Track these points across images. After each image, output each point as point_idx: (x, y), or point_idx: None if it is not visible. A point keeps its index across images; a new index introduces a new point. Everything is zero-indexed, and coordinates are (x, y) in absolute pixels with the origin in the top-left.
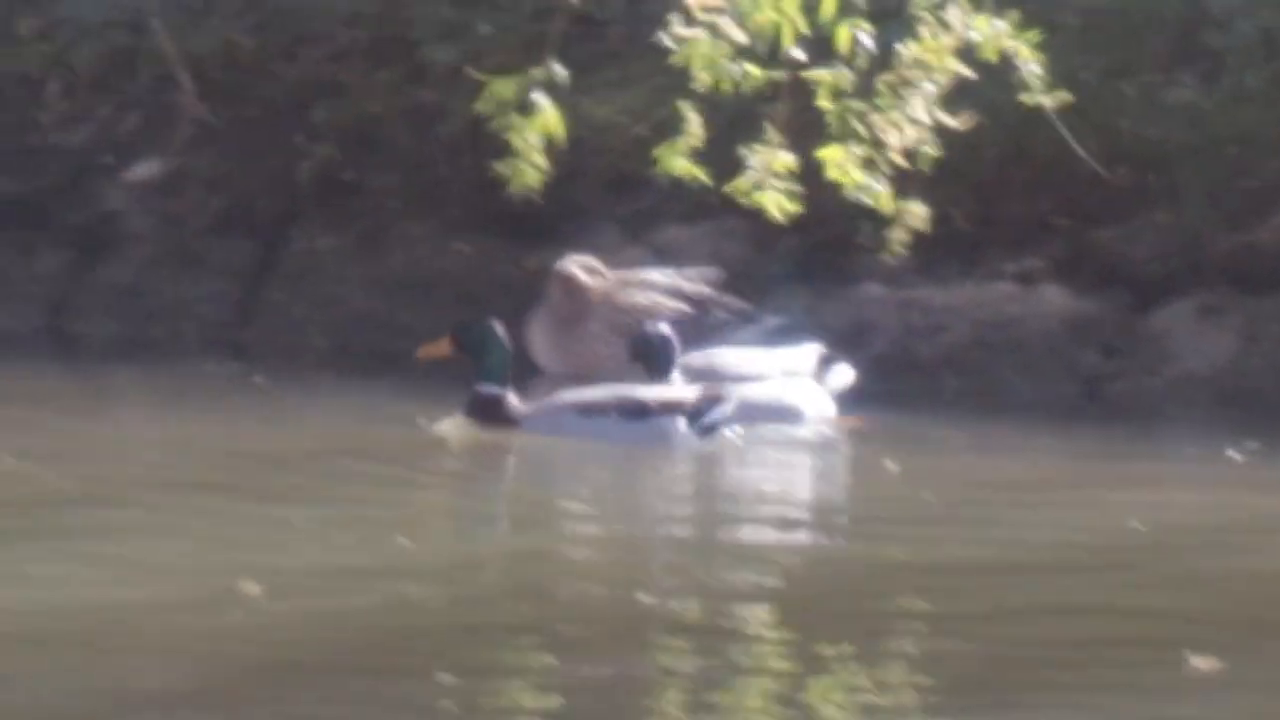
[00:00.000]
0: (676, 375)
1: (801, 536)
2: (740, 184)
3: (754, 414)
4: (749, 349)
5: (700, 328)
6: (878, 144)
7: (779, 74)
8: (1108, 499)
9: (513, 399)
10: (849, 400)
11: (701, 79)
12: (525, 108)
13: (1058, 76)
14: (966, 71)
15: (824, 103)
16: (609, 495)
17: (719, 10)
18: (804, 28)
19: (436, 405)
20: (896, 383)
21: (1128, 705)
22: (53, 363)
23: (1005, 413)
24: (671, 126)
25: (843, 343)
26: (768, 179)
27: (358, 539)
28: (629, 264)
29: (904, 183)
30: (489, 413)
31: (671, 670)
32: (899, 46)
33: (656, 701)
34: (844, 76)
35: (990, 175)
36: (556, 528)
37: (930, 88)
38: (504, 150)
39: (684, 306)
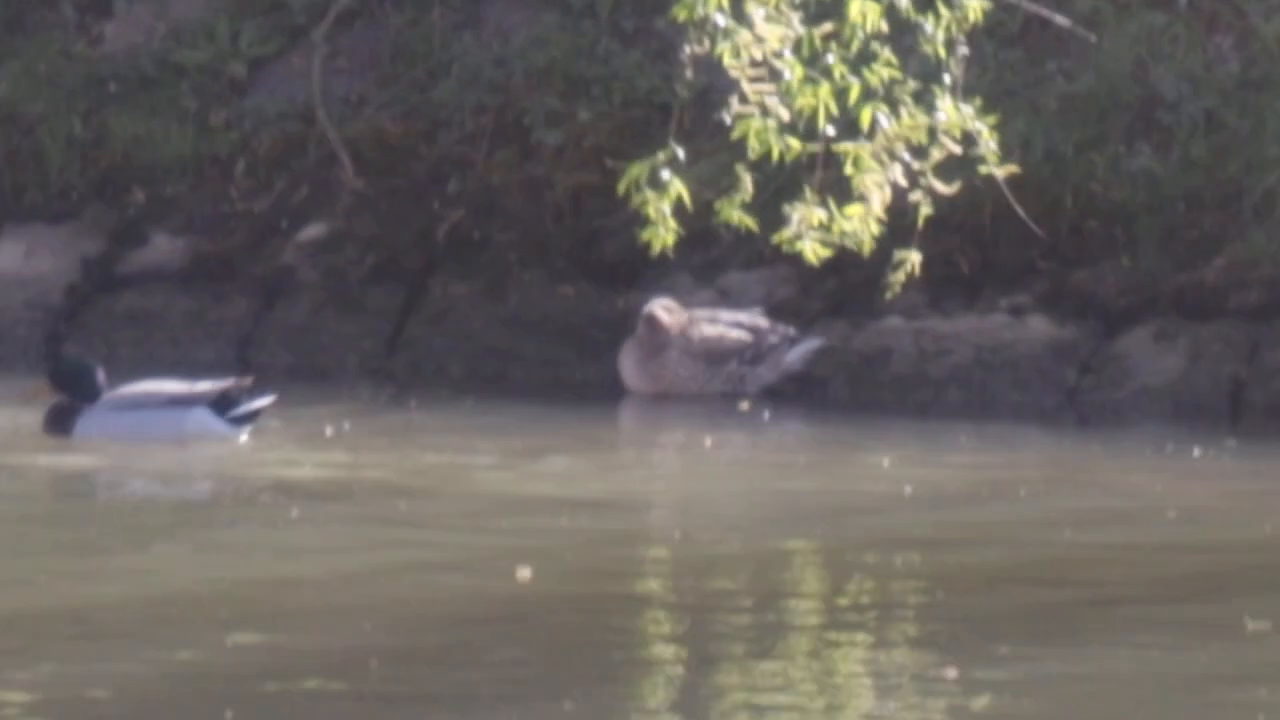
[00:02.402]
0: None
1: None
2: (784, 234)
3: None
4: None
5: (759, 351)
6: (863, 199)
7: (815, 146)
8: (1091, 481)
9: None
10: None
11: (753, 148)
12: (656, 183)
13: (1041, 148)
14: (954, 148)
15: (850, 169)
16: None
17: (769, 93)
18: (835, 110)
19: (541, 423)
20: (912, 395)
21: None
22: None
23: (1000, 419)
24: (730, 186)
25: (868, 363)
26: (805, 230)
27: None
28: (699, 304)
29: (911, 234)
30: (53, 423)
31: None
32: (882, 120)
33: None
34: (865, 149)
35: (988, 227)
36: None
37: (905, 156)
38: (604, 215)
39: (745, 336)
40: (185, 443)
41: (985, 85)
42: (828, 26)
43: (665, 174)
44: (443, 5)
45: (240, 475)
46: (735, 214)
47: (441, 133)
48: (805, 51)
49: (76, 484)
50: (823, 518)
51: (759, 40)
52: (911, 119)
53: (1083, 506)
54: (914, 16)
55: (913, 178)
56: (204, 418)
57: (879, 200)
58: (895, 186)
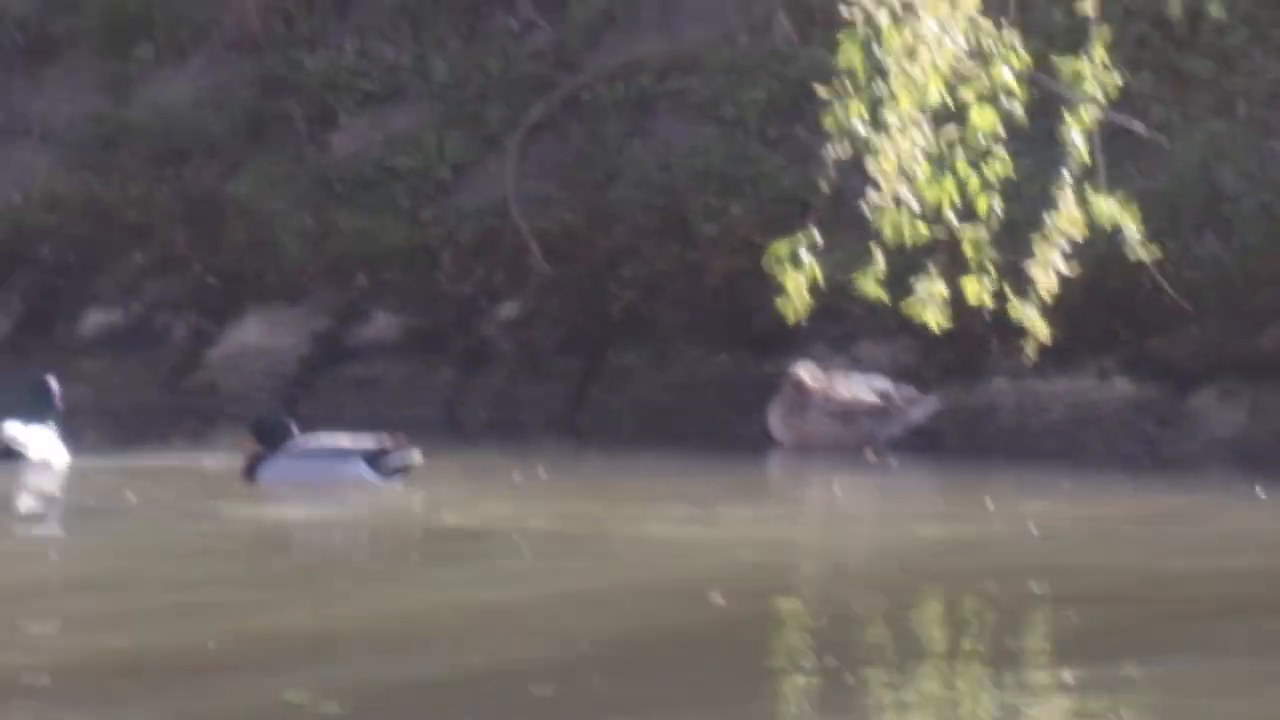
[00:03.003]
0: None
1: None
2: (912, 304)
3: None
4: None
5: (886, 410)
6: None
7: (939, 231)
8: (1176, 516)
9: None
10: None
11: (888, 233)
12: (795, 260)
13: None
14: (1078, 236)
15: (967, 249)
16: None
17: (902, 188)
18: (957, 200)
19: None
20: (1015, 445)
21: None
22: (450, 439)
23: (1089, 466)
24: (864, 262)
25: (978, 418)
26: (930, 302)
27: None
28: (836, 369)
29: (1001, 306)
30: (247, 470)
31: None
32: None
33: None
34: (981, 232)
35: (1079, 301)
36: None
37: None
38: (754, 294)
39: (874, 397)
40: (343, 489)
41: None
42: (953, 131)
43: (803, 253)
44: (617, 119)
45: (438, 517)
46: (870, 286)
47: (616, 226)
48: (935, 155)
49: (276, 527)
50: (955, 552)
51: (895, 147)
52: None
53: (1176, 538)
54: (1018, 101)
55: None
56: (360, 469)
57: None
58: (1016, 267)
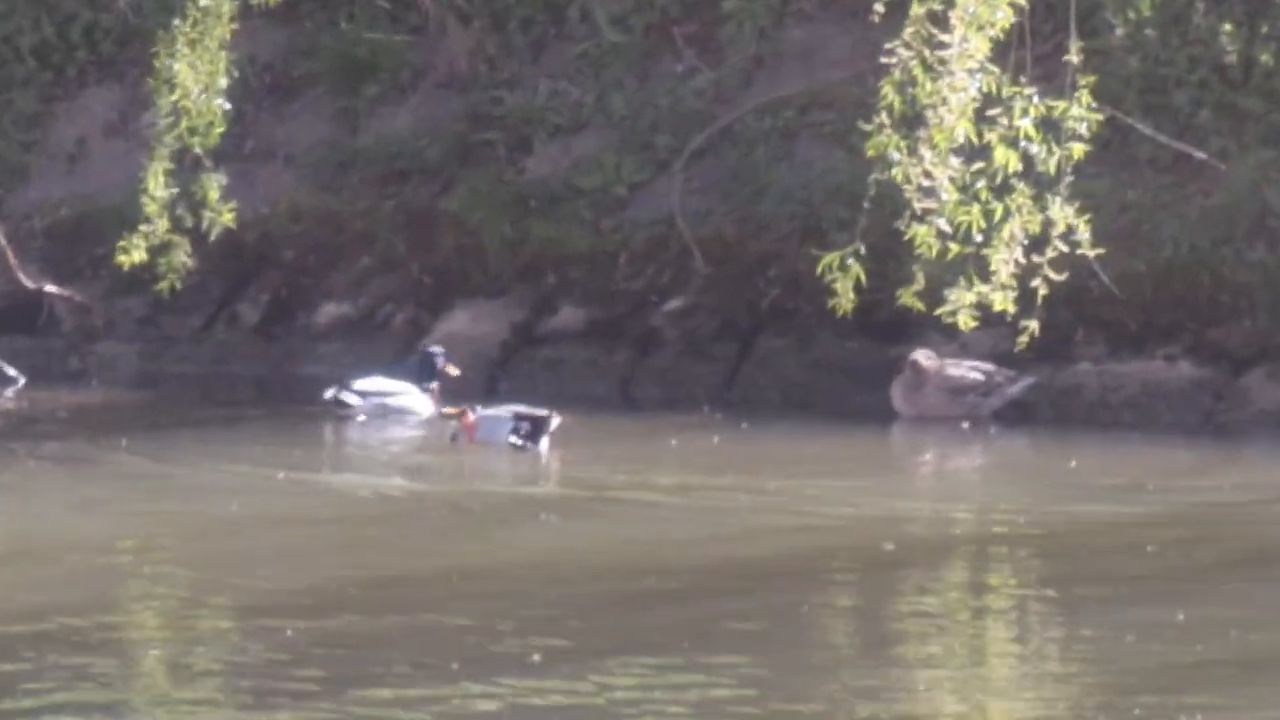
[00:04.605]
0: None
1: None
2: (946, 310)
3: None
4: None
5: (989, 387)
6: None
7: (969, 249)
8: (1211, 473)
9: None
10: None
11: (923, 249)
12: (844, 268)
13: (1186, 244)
14: (1063, 247)
15: (994, 265)
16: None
17: (933, 210)
18: (983, 225)
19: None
20: (1096, 417)
21: None
22: (625, 415)
23: (1158, 434)
24: (908, 279)
25: (1065, 394)
26: (961, 307)
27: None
28: (947, 355)
29: (1095, 304)
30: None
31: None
32: (1009, 216)
33: None
34: (1002, 240)
35: (1149, 300)
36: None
37: (1025, 242)
38: (878, 291)
39: (979, 376)
40: (499, 448)
41: (1147, 200)
42: (980, 165)
43: (850, 261)
44: (765, 146)
45: (598, 475)
46: (911, 299)
47: (764, 234)
48: (959, 181)
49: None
50: (1061, 501)
51: (929, 176)
52: (1031, 215)
53: (1236, 487)
54: (1038, 146)
55: (1033, 269)
56: (507, 430)
57: (1005, 272)
58: (1039, 275)
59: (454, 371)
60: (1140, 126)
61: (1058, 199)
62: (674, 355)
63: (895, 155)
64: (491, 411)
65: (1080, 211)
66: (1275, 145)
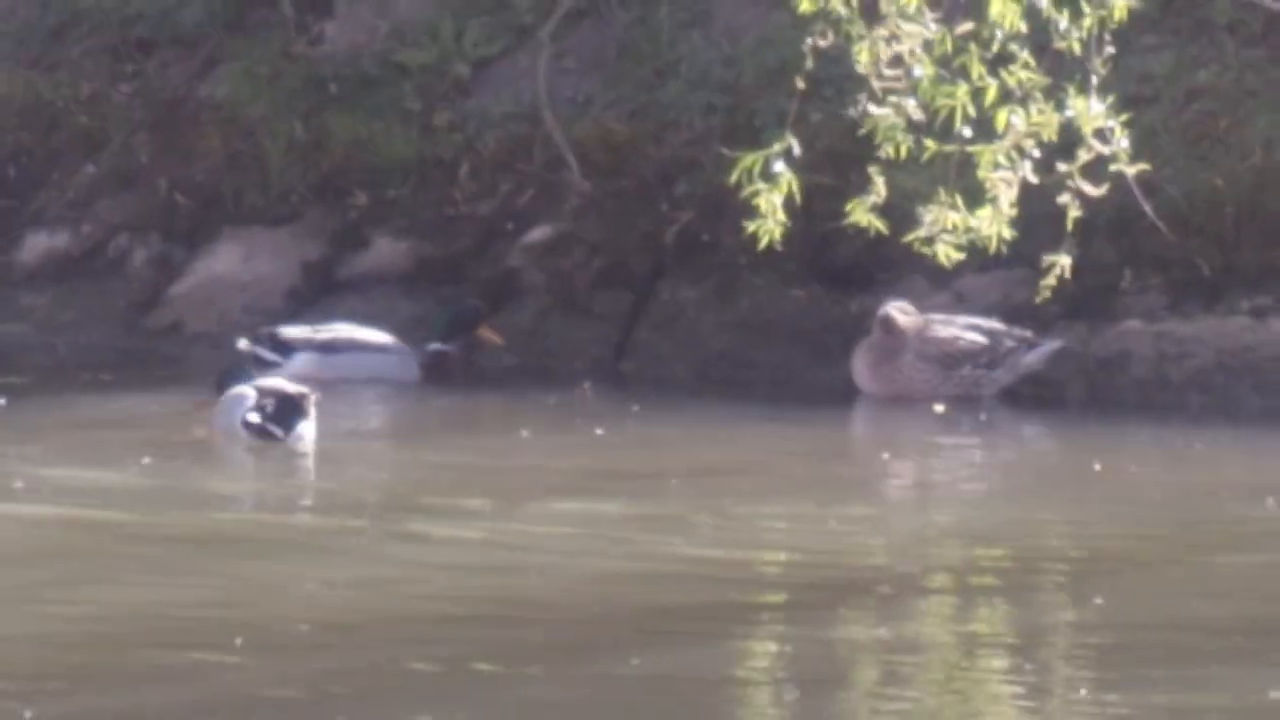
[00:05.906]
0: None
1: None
2: (917, 235)
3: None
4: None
5: (995, 355)
6: (993, 200)
7: (952, 147)
8: None
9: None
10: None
11: (886, 150)
12: (768, 175)
13: (1225, 165)
14: (1101, 148)
15: (984, 173)
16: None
17: (902, 91)
18: (972, 111)
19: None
20: (1152, 399)
21: None
22: (462, 396)
23: (1242, 425)
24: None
25: (1106, 366)
26: (939, 233)
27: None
28: (934, 309)
29: (1150, 236)
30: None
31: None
32: (1013, 118)
33: None
34: (1001, 149)
35: (1229, 230)
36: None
37: (1036, 153)
38: (838, 218)
39: (980, 339)
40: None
41: (1227, 84)
42: (967, 26)
43: (779, 165)
44: (671, 3)
45: (393, 490)
46: (865, 216)
47: (669, 133)
48: (938, 51)
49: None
50: (1117, 535)
51: (894, 40)
52: (1041, 115)
53: None
54: (1054, 14)
55: (1058, 181)
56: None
57: (1006, 198)
58: (1044, 189)
59: (495, 339)
60: None
61: (1081, 82)
62: (538, 309)
63: (842, 10)
64: (237, 391)
65: (1122, 105)
66: None
